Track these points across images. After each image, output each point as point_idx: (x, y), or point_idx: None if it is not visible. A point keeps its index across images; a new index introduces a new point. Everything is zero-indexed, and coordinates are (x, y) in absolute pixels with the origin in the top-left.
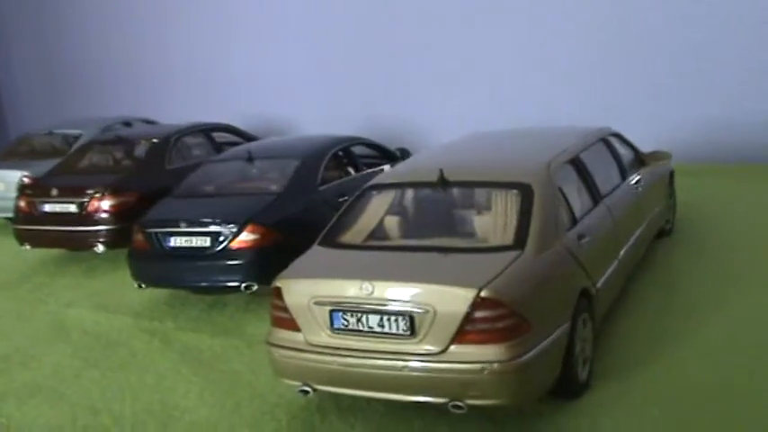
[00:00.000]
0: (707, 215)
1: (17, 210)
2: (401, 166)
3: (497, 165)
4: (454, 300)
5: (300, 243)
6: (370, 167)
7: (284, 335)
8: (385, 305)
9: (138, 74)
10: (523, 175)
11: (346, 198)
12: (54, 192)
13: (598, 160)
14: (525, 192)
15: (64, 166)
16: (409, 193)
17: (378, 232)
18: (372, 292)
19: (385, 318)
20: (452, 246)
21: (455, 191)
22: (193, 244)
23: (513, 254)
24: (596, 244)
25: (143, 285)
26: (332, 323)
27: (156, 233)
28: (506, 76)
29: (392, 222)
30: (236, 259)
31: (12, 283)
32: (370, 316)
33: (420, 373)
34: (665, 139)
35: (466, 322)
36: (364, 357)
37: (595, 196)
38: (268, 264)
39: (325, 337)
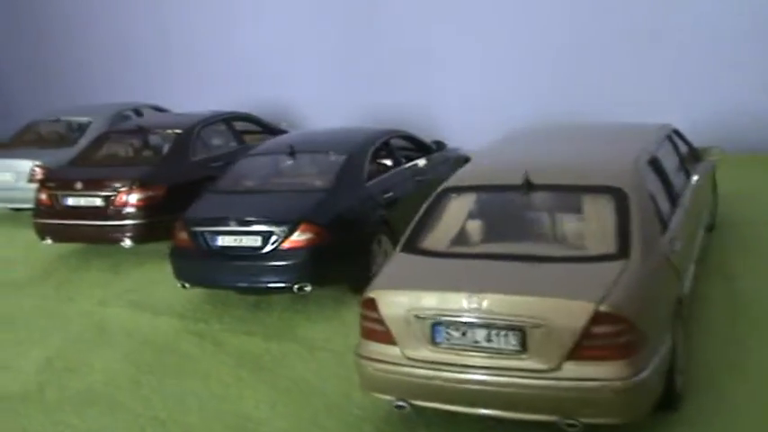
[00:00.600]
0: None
1: (38, 203)
2: (472, 166)
3: (582, 166)
4: (571, 314)
5: (352, 242)
6: (409, 161)
7: (378, 348)
8: (494, 319)
9: (133, 57)
10: (614, 177)
11: (392, 194)
12: (78, 185)
13: (668, 159)
14: (619, 196)
15: (84, 158)
16: (490, 196)
17: (463, 238)
18: (481, 306)
19: (493, 332)
20: (549, 255)
21: (540, 194)
22: (243, 243)
23: (618, 264)
24: (682, 248)
25: (187, 285)
26: (433, 337)
27: (203, 232)
28: (515, 64)
29: (476, 227)
30: (288, 260)
31: (34, 279)
32: (477, 330)
33: (532, 391)
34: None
35: (583, 338)
36: (469, 373)
37: (674, 197)
38: (321, 264)
39: (426, 352)
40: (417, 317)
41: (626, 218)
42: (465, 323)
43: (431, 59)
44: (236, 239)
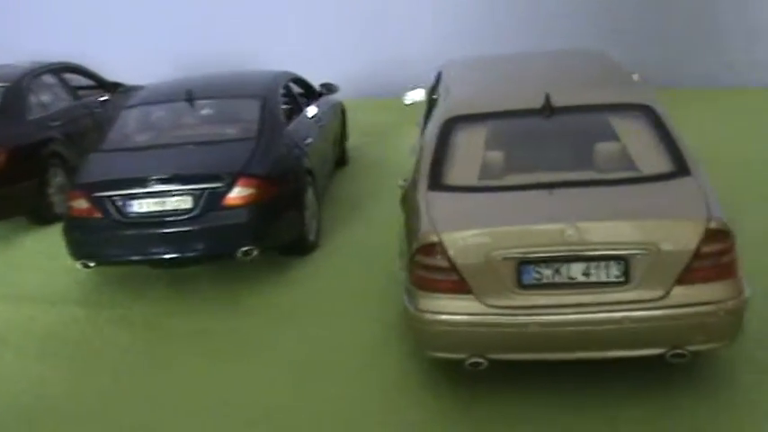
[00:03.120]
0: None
1: None
2: (465, 94)
3: (593, 85)
4: (682, 235)
5: (289, 195)
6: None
7: (446, 301)
8: (593, 250)
9: None
10: (635, 95)
11: (310, 140)
12: None
13: None
14: (650, 113)
15: None
16: (506, 122)
17: (493, 170)
18: (579, 237)
19: (592, 265)
20: (609, 178)
21: (562, 117)
22: (168, 207)
23: (688, 181)
24: None
25: (91, 264)
26: (520, 279)
27: (112, 197)
28: None
29: (500, 157)
30: (229, 220)
31: None
32: (573, 265)
33: (639, 324)
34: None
35: (694, 259)
36: (568, 314)
37: None
38: (265, 222)
39: (512, 297)
40: (501, 258)
41: (667, 134)
42: (559, 258)
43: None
44: (158, 202)
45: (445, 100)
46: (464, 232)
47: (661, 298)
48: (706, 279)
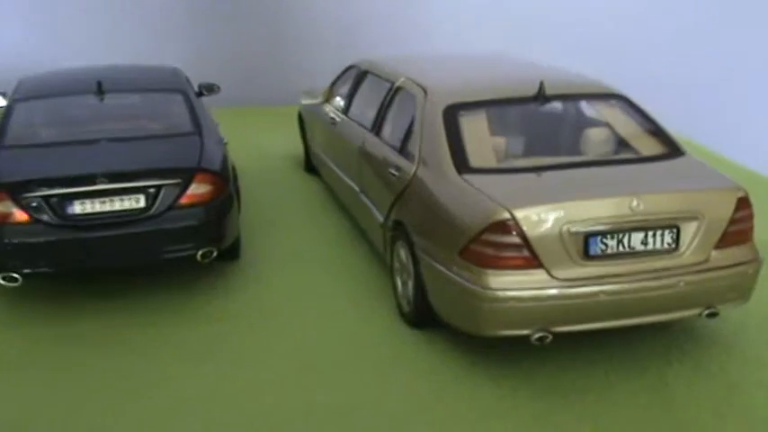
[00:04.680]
0: None
1: None
2: (450, 83)
3: (567, 77)
4: (722, 203)
5: (232, 193)
6: None
7: (518, 277)
8: (653, 218)
9: None
10: (605, 86)
11: (224, 138)
12: None
13: None
14: (625, 101)
15: None
16: (502, 110)
17: (509, 153)
18: (641, 207)
19: (650, 234)
20: (627, 157)
21: (552, 105)
22: (118, 207)
23: (688, 159)
24: None
25: (17, 276)
26: (587, 250)
27: (49, 198)
28: None
29: (507, 142)
30: (188, 220)
31: None
32: (633, 234)
33: (687, 287)
34: None
35: (730, 224)
36: (633, 281)
37: None
38: (222, 221)
39: (579, 269)
40: (571, 231)
41: (650, 120)
42: (623, 228)
43: None
44: (104, 202)
45: (412, 89)
46: (536, 207)
47: (704, 261)
48: (736, 242)
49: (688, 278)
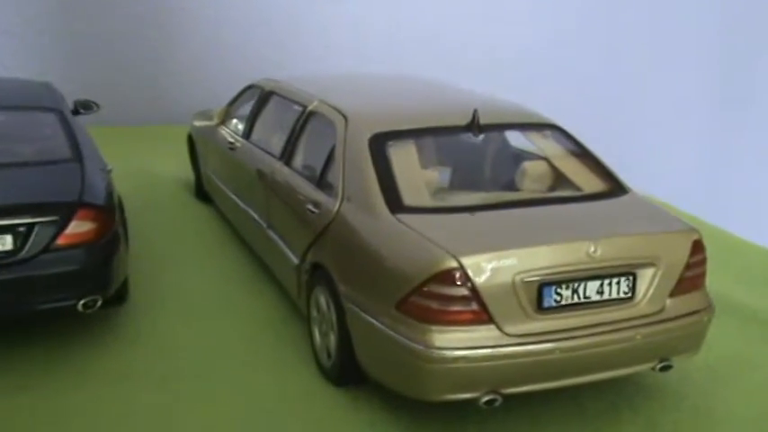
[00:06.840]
0: None
1: None
2: (376, 110)
3: (503, 106)
4: (678, 247)
5: (119, 230)
6: None
7: (464, 334)
8: (607, 266)
9: None
10: (540, 115)
11: (108, 165)
12: None
13: None
14: (561, 131)
15: None
16: (433, 140)
17: (439, 189)
18: (600, 252)
19: (605, 282)
20: (565, 196)
21: (487, 135)
22: None
23: (634, 197)
24: None
25: None
26: (540, 302)
27: None
28: None
29: (438, 176)
30: (67, 264)
31: None
32: (589, 283)
33: (646, 339)
34: None
35: (685, 270)
36: (589, 336)
37: None
38: (108, 264)
39: (531, 323)
40: (524, 281)
41: (586, 154)
42: (578, 278)
43: None
44: None
45: (329, 114)
46: (486, 254)
47: (659, 311)
48: (690, 289)
49: (644, 330)
